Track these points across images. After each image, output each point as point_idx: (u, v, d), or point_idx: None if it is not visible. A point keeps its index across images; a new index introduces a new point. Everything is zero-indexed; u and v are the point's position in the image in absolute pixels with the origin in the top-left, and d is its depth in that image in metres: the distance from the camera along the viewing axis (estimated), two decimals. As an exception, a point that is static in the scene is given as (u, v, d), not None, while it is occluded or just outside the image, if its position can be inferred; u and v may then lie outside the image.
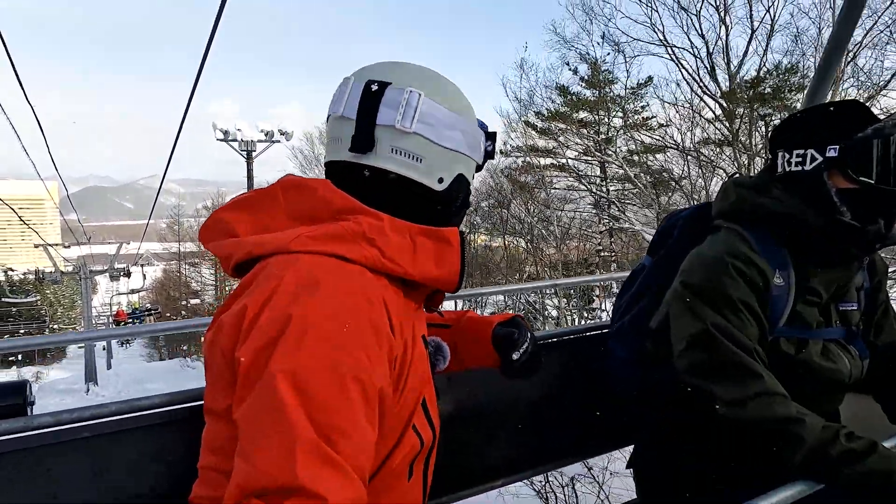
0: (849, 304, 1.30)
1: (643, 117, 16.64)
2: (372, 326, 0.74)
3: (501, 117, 17.71)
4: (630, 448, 1.59)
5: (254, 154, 13.26)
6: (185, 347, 29.78)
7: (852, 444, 1.05)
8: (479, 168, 0.99)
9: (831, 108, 1.19)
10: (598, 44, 17.03)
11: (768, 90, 14.06)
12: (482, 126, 0.97)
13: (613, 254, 16.87)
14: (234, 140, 13.26)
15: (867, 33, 12.06)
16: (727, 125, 13.66)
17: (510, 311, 1.38)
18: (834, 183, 1.16)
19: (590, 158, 16.55)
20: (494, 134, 0.99)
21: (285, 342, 0.69)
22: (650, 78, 16.40)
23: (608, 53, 16.17)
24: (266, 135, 13.09)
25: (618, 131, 16.57)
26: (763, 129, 13.18)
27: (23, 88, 8.06)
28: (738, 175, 1.37)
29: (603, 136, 16.56)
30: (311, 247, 0.78)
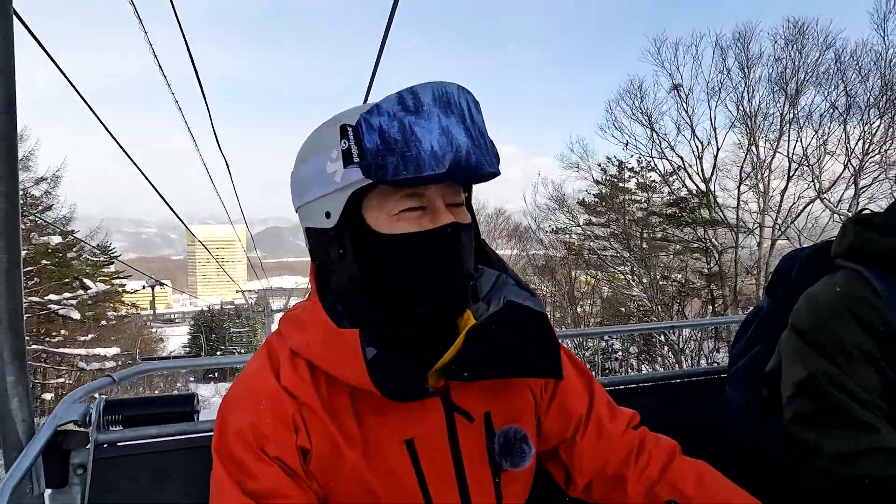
0: None
1: (677, 197, 19.92)
2: (267, 396, 0.78)
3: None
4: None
5: None
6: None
7: None
8: (378, 180, 0.73)
9: None
10: (601, 165, 21.48)
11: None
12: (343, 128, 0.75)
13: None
14: None
15: None
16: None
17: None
18: None
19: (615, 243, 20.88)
20: (343, 128, 0.74)
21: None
22: (680, 166, 19.42)
23: (631, 156, 20.62)
24: None
25: (650, 213, 20.63)
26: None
27: (221, 151, 9.10)
28: (866, 212, 1.23)
29: (638, 215, 20.61)
30: (281, 325, 0.86)
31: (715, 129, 18.30)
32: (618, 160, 20.94)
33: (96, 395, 1.38)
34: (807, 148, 16.68)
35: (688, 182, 19.06)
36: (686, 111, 18.45)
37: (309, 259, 0.88)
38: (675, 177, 19.37)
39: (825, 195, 16.52)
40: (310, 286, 0.86)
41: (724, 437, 1.36)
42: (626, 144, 19.88)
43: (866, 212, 1.22)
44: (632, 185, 21.15)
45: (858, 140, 15.81)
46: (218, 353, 39.26)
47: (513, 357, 0.82)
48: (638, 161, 20.45)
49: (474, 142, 0.74)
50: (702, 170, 18.52)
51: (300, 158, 0.83)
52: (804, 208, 17.05)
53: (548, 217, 22.83)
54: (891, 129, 15.24)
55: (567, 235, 22.41)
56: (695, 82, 18.40)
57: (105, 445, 1.26)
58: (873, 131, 15.51)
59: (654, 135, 19.07)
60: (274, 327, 0.95)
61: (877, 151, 15.63)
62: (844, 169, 16.16)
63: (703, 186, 18.49)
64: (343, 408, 0.80)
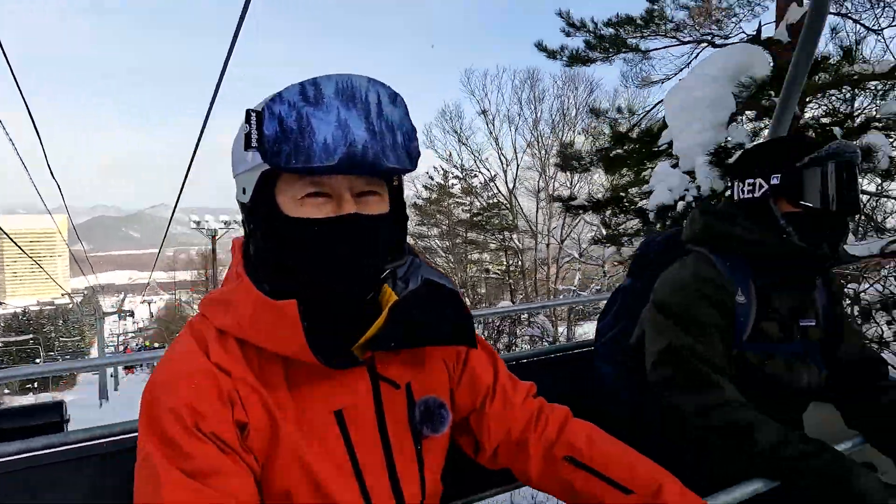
0: (808, 321, 1.34)
1: (488, 204, 22.75)
2: (199, 374, 0.76)
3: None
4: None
5: (216, 237, 19.13)
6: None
7: (805, 447, 1.09)
8: (273, 166, 0.74)
9: (776, 141, 1.34)
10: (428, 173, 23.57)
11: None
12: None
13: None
14: (203, 228, 19.00)
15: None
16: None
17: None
18: (780, 207, 1.25)
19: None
20: (248, 113, 0.74)
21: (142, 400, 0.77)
22: (491, 178, 22.57)
23: (454, 166, 23.02)
24: (226, 224, 17.90)
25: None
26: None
27: (34, 123, 7.88)
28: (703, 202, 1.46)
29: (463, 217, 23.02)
30: (201, 306, 0.85)
31: (515, 150, 21.43)
32: (443, 169, 23.13)
33: None
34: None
35: (497, 192, 21.83)
36: (492, 133, 21.47)
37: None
38: (488, 186, 22.07)
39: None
40: (234, 262, 0.87)
41: (598, 401, 1.47)
42: (450, 156, 22.33)
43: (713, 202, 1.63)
44: (457, 189, 23.24)
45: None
46: (37, 361, 35.02)
47: (433, 328, 0.86)
48: (461, 169, 22.81)
49: (376, 136, 0.74)
50: (506, 181, 21.63)
51: (239, 133, 0.82)
52: (577, 222, 20.56)
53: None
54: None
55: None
56: (499, 109, 21.42)
57: None
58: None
59: (468, 150, 21.93)
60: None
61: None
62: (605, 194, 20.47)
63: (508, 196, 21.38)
64: (276, 380, 0.80)
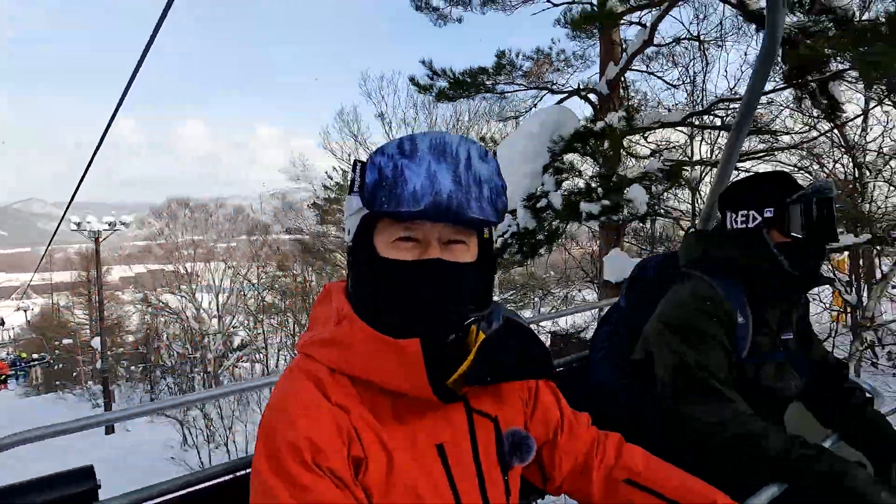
0: (787, 334, 1.48)
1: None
2: (317, 410, 0.80)
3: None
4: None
5: (100, 239, 18.34)
6: (57, 382, 30.43)
7: (807, 451, 1.18)
8: (368, 209, 0.84)
9: (766, 178, 1.45)
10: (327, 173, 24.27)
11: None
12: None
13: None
14: (85, 230, 17.82)
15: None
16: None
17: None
18: (772, 238, 1.38)
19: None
20: (355, 163, 0.86)
21: (259, 436, 0.82)
22: None
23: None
24: (110, 225, 17.27)
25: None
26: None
27: None
28: (693, 229, 1.53)
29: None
30: (305, 348, 0.89)
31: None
32: (342, 169, 23.39)
33: None
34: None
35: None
36: (388, 135, 21.54)
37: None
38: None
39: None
40: (336, 304, 0.91)
41: (597, 403, 1.46)
42: (350, 156, 22.54)
43: (692, 230, 1.53)
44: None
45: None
46: None
47: (518, 363, 0.92)
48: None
49: (462, 188, 0.80)
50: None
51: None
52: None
53: (280, 220, 25.22)
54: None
55: (301, 235, 24.75)
56: (396, 112, 21.55)
57: None
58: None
59: (366, 151, 21.88)
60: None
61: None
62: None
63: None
64: (387, 415, 0.85)
